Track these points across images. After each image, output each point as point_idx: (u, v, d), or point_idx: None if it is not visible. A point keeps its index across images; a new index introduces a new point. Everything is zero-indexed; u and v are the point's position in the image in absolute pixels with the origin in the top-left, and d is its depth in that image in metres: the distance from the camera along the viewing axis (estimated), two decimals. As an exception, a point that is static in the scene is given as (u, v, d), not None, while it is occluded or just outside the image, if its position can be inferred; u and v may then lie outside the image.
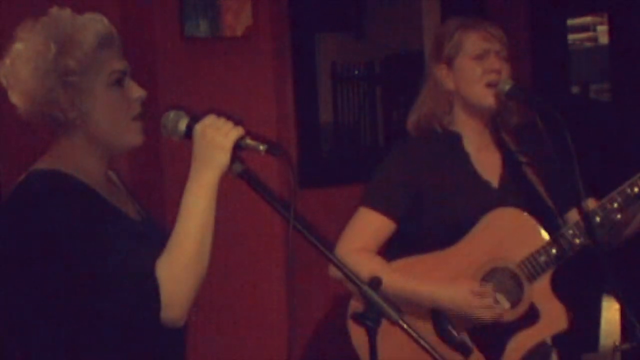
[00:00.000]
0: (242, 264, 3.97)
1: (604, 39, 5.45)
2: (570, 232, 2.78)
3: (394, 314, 1.97)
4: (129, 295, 1.99)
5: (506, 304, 2.81)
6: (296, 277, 3.70)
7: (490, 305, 2.75)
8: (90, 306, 2.02)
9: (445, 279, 2.80)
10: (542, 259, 2.78)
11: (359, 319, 1.99)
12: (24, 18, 2.12)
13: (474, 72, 2.82)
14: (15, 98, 2.09)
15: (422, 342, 1.99)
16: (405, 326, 1.97)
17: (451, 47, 2.84)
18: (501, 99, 2.80)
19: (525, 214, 2.82)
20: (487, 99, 2.81)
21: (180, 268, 2.02)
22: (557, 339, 2.96)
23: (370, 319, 1.97)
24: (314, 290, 3.96)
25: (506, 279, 2.81)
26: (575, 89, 5.48)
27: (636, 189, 2.76)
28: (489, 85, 2.80)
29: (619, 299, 2.62)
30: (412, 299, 2.76)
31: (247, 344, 4.01)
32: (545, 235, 2.80)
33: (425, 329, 2.79)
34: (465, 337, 2.81)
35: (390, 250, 2.92)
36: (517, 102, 2.85)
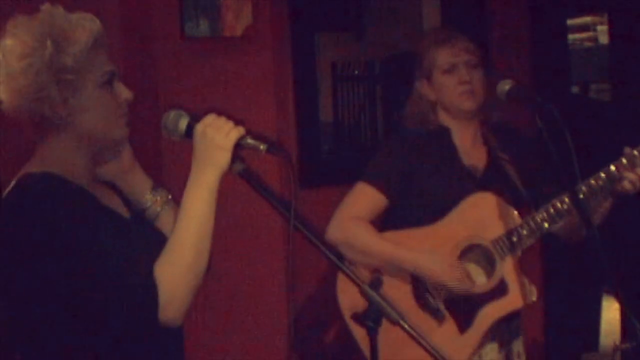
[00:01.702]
0: (243, 263, 3.97)
1: (604, 39, 5.45)
2: (540, 216, 3.02)
3: (394, 314, 1.97)
4: (127, 295, 1.99)
5: (482, 277, 3.05)
6: (296, 277, 3.70)
7: (463, 278, 3.01)
8: (88, 307, 2.01)
9: (428, 249, 3.05)
10: (514, 238, 3.03)
11: (359, 319, 1.99)
12: (14, 14, 2.10)
13: (448, 85, 3.14)
14: (3, 94, 2.07)
15: (422, 342, 1.99)
16: (406, 326, 1.97)
17: (427, 63, 3.18)
18: (479, 103, 3.11)
19: (502, 199, 3.08)
20: (463, 105, 3.12)
21: (179, 268, 2.02)
22: (557, 340, 2.97)
23: (371, 318, 1.97)
24: (314, 290, 3.96)
25: (481, 255, 3.07)
26: (575, 89, 5.49)
27: (600, 182, 2.94)
28: (462, 94, 3.11)
29: (619, 299, 2.61)
30: (397, 264, 3.04)
31: (247, 344, 4.00)
32: (518, 217, 3.07)
33: (405, 293, 3.06)
34: (440, 304, 3.05)
35: (382, 228, 3.16)
36: (517, 102, 2.88)
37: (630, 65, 4.89)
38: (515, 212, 3.07)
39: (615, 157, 2.96)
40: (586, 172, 2.72)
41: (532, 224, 3.02)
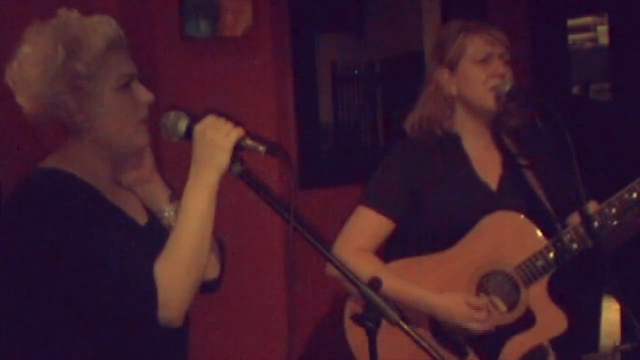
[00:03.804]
0: (242, 264, 3.97)
1: (604, 39, 5.45)
2: (568, 236, 2.77)
3: (393, 315, 1.97)
4: (126, 294, 1.99)
5: (502, 307, 2.81)
6: (296, 277, 3.70)
7: (484, 320, 2.76)
8: (88, 305, 2.01)
9: (442, 281, 2.80)
10: (540, 263, 2.77)
11: (359, 319, 1.98)
12: (28, 19, 2.11)
13: (478, 77, 2.81)
14: (22, 100, 2.07)
15: (422, 342, 1.99)
16: (405, 327, 1.97)
17: (454, 51, 2.84)
18: (503, 101, 2.80)
19: (524, 217, 2.81)
20: (491, 102, 2.80)
21: (178, 268, 2.02)
22: (557, 340, 2.96)
23: (370, 319, 1.97)
24: (314, 290, 3.96)
25: (503, 283, 2.81)
26: (575, 89, 5.49)
27: (635, 195, 2.74)
28: (493, 89, 2.79)
29: (619, 299, 2.61)
30: (409, 304, 2.74)
31: (247, 344, 4.01)
32: (543, 239, 2.79)
33: (422, 328, 2.80)
34: (461, 339, 2.81)
35: (389, 248, 2.93)
36: (517, 102, 2.85)
37: (630, 65, 4.90)
38: (539, 233, 2.79)
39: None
40: (586, 172, 2.71)
41: (559, 245, 2.76)
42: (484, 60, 2.81)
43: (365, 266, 2.76)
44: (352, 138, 4.50)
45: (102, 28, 2.08)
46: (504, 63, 2.82)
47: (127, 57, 2.12)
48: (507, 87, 2.79)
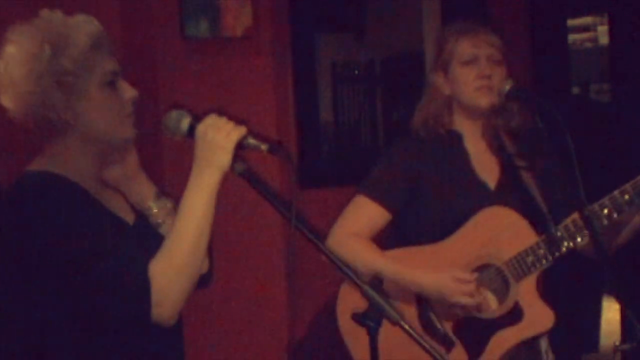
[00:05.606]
0: (243, 263, 3.97)
1: (604, 39, 5.46)
2: (559, 234, 2.81)
3: (394, 315, 1.97)
4: (119, 293, 1.99)
5: (493, 301, 2.85)
6: (296, 277, 3.70)
7: (471, 293, 2.78)
8: (81, 305, 2.02)
9: (434, 270, 2.84)
10: (530, 259, 2.82)
11: (360, 319, 1.99)
12: (15, 20, 2.11)
13: (465, 78, 2.90)
14: (8, 101, 2.07)
15: (422, 342, 1.99)
16: (406, 327, 1.97)
17: (446, 54, 2.95)
18: (496, 101, 2.87)
19: (517, 214, 2.86)
20: (479, 101, 2.88)
21: (174, 267, 2.02)
22: (557, 340, 2.96)
23: (372, 319, 1.97)
24: (314, 291, 3.96)
25: (493, 277, 2.86)
26: (575, 89, 5.50)
27: (626, 197, 2.76)
28: (479, 89, 2.87)
29: (619, 299, 2.61)
30: (399, 283, 2.81)
31: (247, 344, 4.00)
32: (535, 236, 2.84)
33: (410, 319, 2.78)
34: (448, 330, 2.84)
35: (387, 240, 2.97)
36: (517, 102, 2.88)
37: (630, 65, 4.90)
38: (532, 229, 2.85)
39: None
40: (586, 173, 2.71)
41: (549, 242, 2.81)
42: (471, 62, 2.90)
43: (360, 250, 2.85)
44: (352, 138, 4.50)
45: (85, 26, 2.10)
46: (491, 64, 2.89)
47: (110, 55, 2.13)
48: (507, 87, 2.83)
